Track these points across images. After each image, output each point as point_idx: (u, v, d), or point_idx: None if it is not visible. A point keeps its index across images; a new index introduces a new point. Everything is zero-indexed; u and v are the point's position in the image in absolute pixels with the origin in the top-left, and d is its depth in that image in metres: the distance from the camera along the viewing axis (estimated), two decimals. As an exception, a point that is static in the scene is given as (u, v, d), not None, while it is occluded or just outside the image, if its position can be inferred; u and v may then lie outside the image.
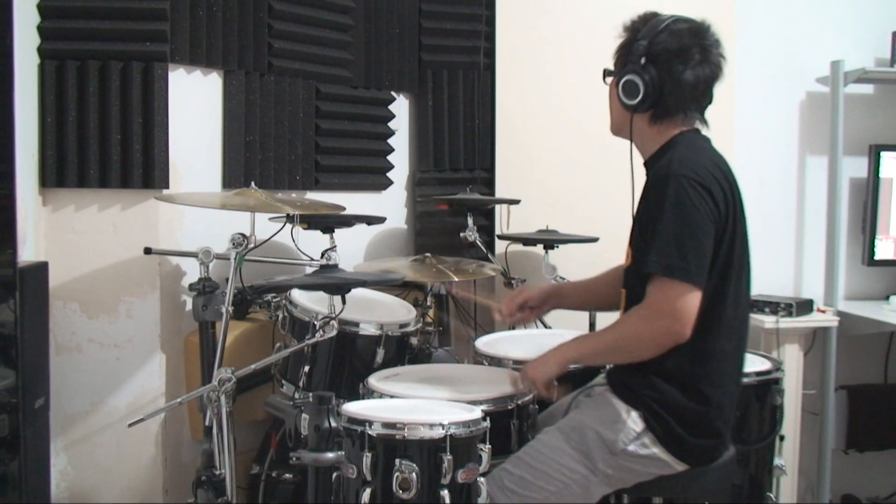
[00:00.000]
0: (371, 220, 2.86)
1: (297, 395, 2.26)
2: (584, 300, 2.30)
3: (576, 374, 2.25)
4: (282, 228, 2.43)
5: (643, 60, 1.83)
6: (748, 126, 3.22)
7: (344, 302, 2.12)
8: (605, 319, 1.98)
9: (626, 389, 1.85)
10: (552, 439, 1.89)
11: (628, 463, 1.82)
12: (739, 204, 1.85)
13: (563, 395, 2.12)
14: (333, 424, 1.74)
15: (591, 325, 2.86)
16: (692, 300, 1.72)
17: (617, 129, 1.99)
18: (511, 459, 1.91)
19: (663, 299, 1.72)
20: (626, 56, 1.88)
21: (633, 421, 1.81)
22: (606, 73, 1.97)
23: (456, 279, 2.56)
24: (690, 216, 1.73)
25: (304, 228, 2.60)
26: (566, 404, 2.04)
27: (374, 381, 2.13)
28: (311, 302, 2.29)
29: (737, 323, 1.86)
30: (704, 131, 1.96)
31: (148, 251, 2.38)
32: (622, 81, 1.87)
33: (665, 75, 1.84)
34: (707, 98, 1.92)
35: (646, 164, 1.94)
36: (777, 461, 2.42)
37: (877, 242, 3.26)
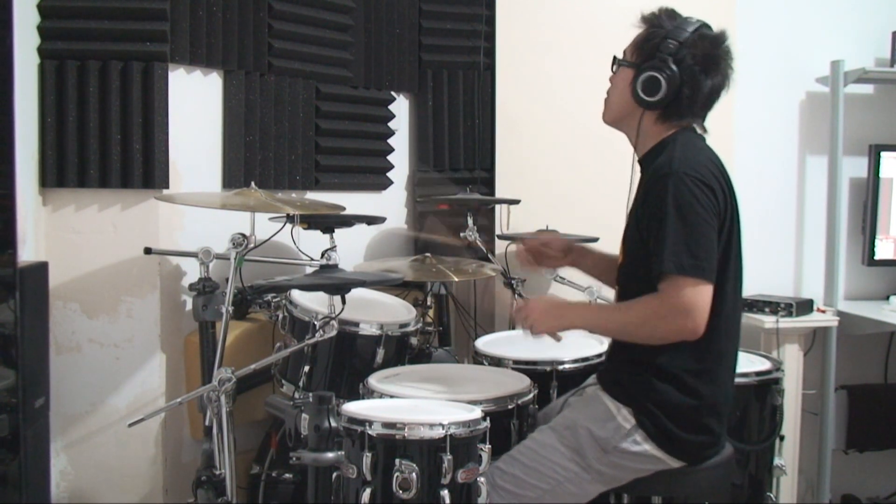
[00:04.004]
0: (371, 220, 2.86)
1: (297, 395, 2.25)
2: (601, 269, 2.26)
3: (576, 375, 2.26)
4: (282, 228, 2.43)
5: (670, 61, 1.83)
6: (748, 126, 3.22)
7: (344, 302, 2.12)
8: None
9: (618, 387, 1.86)
10: (545, 437, 1.89)
11: (621, 460, 1.83)
12: (735, 202, 1.86)
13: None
14: (333, 424, 1.74)
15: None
16: (706, 295, 1.72)
17: (615, 119, 1.98)
18: (504, 458, 1.91)
19: (680, 297, 1.72)
20: (650, 50, 1.87)
21: (624, 418, 1.82)
22: (619, 61, 1.95)
23: (456, 279, 2.56)
24: (696, 213, 1.74)
25: (304, 228, 2.60)
26: (559, 404, 2.05)
27: (374, 381, 2.12)
28: (311, 302, 2.29)
29: (735, 320, 1.88)
30: (700, 132, 1.96)
31: (148, 251, 2.38)
32: (644, 76, 1.86)
33: (687, 80, 1.84)
34: (713, 106, 1.93)
35: (641, 161, 1.94)
36: (777, 461, 2.42)
37: (877, 242, 3.26)
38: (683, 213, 1.73)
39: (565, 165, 3.13)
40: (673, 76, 1.83)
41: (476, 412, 1.85)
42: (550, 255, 2.24)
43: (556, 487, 1.85)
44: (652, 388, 1.81)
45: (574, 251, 2.24)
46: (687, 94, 1.85)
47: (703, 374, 1.82)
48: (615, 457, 1.82)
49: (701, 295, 1.71)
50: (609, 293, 2.54)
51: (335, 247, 2.66)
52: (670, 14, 1.90)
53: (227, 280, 2.19)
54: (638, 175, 1.94)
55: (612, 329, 1.90)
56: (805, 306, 3.11)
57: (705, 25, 1.89)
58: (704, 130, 1.96)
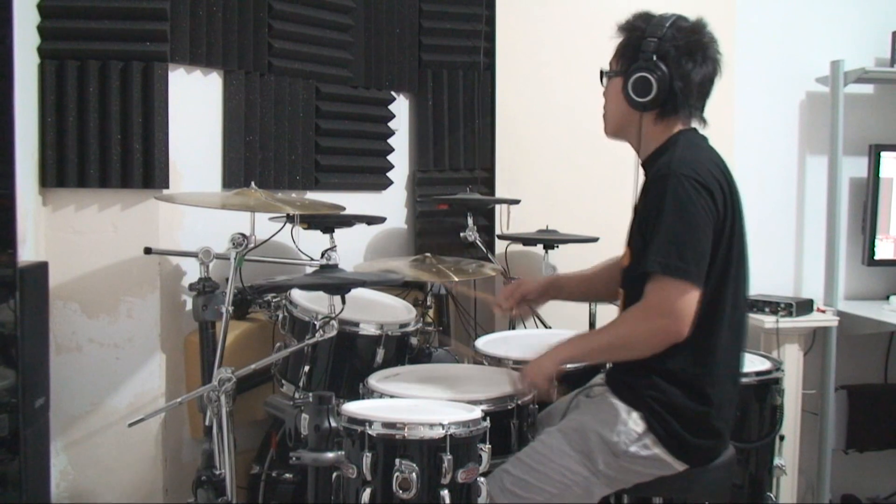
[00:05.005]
0: (371, 220, 2.86)
1: (297, 395, 2.25)
2: (583, 292, 2.29)
3: (575, 375, 2.25)
4: (282, 228, 2.43)
5: (654, 57, 1.83)
6: (748, 126, 3.22)
7: (344, 302, 2.12)
8: (606, 316, 1.97)
9: (627, 390, 1.85)
10: (553, 440, 1.88)
11: (629, 464, 1.82)
12: (738, 203, 1.85)
13: (563, 394, 2.12)
14: (333, 424, 1.74)
15: (591, 324, 2.86)
16: (691, 299, 1.72)
17: (616, 131, 1.97)
18: (511, 461, 1.90)
19: (662, 298, 1.72)
20: (632, 54, 1.86)
21: (635, 422, 1.81)
22: (606, 73, 1.95)
23: (456, 279, 2.56)
24: (690, 215, 1.73)
25: (304, 228, 2.61)
26: (565, 404, 2.04)
27: (374, 381, 2.12)
28: (311, 302, 2.29)
29: (737, 321, 1.86)
30: (703, 130, 1.95)
31: (148, 251, 2.38)
32: (633, 79, 1.85)
33: (675, 72, 1.84)
34: (708, 96, 1.92)
35: (644, 164, 1.94)
36: (777, 461, 2.42)
37: (877, 242, 3.26)
38: (678, 215, 1.73)
39: (565, 165, 3.13)
40: (661, 73, 1.83)
41: (476, 412, 1.84)
42: (529, 301, 2.23)
43: (564, 491, 1.84)
44: (661, 392, 1.80)
45: (550, 290, 2.24)
46: (679, 87, 1.84)
47: (710, 377, 1.81)
48: (624, 461, 1.82)
49: (684, 298, 1.71)
50: (602, 315, 2.53)
51: (335, 247, 2.66)
52: (643, 16, 1.90)
53: (227, 280, 2.19)
54: (642, 177, 1.93)
55: (603, 347, 1.89)
56: (805, 306, 3.11)
57: (681, 18, 1.88)
58: (705, 122, 1.95)
